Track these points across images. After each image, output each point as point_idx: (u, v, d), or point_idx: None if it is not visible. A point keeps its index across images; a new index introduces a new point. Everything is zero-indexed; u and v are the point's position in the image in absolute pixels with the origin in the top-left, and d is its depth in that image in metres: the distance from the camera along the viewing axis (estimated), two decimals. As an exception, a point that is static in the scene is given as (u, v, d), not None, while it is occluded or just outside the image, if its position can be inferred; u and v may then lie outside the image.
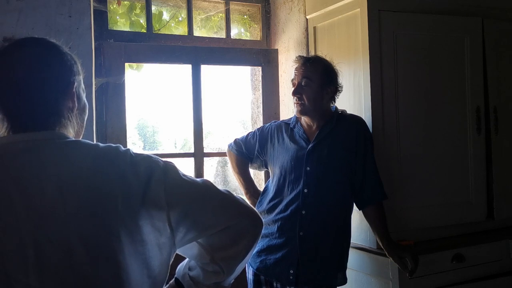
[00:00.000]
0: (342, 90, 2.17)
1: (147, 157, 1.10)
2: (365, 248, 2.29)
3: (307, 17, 2.72)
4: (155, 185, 1.05)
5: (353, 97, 2.38)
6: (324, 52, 2.60)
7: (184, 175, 1.13)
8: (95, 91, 2.35)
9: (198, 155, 2.71)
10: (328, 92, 2.10)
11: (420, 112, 2.40)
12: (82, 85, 1.14)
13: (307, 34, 2.72)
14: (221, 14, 2.94)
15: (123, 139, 2.53)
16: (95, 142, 1.12)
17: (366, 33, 2.27)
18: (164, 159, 1.14)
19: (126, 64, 2.59)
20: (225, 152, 2.44)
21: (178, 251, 1.15)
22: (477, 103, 2.53)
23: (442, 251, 2.28)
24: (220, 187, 1.18)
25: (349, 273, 2.41)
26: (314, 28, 2.67)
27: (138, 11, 2.76)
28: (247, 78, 3.10)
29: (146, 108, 3.03)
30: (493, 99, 2.58)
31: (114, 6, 2.70)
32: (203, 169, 2.72)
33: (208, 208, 1.12)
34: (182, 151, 3.09)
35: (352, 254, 2.36)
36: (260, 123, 2.93)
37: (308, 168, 2.08)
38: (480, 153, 2.54)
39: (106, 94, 2.50)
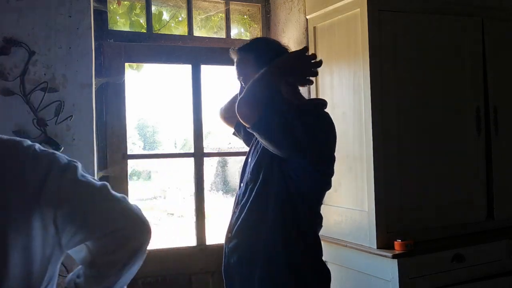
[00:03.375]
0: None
1: (50, 153, 1.10)
2: (365, 248, 2.29)
3: (307, 17, 2.72)
4: (51, 182, 1.06)
5: (353, 97, 2.38)
6: (324, 52, 2.61)
7: (83, 175, 1.12)
8: (95, 91, 2.35)
9: (198, 155, 2.71)
10: None
11: (420, 112, 2.39)
12: None
13: (307, 34, 2.72)
14: (221, 14, 2.94)
15: (123, 139, 2.53)
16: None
17: (366, 33, 2.27)
18: (70, 159, 1.13)
19: (126, 64, 2.60)
20: (225, 152, 2.42)
21: (71, 254, 1.15)
22: (477, 103, 2.53)
23: (442, 251, 2.29)
24: (116, 192, 1.15)
25: (349, 273, 2.42)
26: (314, 28, 2.67)
27: (138, 11, 2.76)
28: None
29: (146, 108, 3.04)
30: (493, 99, 2.58)
31: (114, 6, 2.70)
32: (203, 169, 2.72)
33: (96, 210, 1.12)
34: (182, 151, 3.09)
35: (352, 254, 2.36)
36: (260, 123, 2.93)
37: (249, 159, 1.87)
38: (480, 153, 2.54)
39: (106, 94, 2.50)
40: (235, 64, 1.83)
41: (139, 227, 1.15)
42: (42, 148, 1.11)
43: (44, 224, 1.05)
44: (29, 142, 1.10)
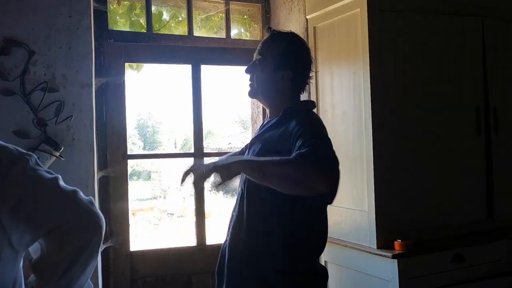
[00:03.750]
0: (308, 78, 1.78)
1: (1, 147, 1.05)
2: (365, 248, 2.29)
3: (307, 17, 2.72)
4: None
5: (353, 97, 2.38)
6: (324, 52, 2.61)
7: (33, 169, 1.05)
8: (95, 91, 2.35)
9: (198, 155, 2.71)
10: (284, 77, 1.71)
11: (420, 112, 2.40)
12: None
13: (307, 34, 2.72)
14: (221, 14, 2.94)
15: (123, 139, 2.53)
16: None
17: (366, 33, 2.27)
18: (24, 151, 1.07)
19: (126, 64, 2.60)
20: (225, 152, 2.40)
21: (31, 254, 1.08)
22: (477, 103, 2.54)
23: (442, 251, 2.29)
24: (66, 184, 1.07)
25: (349, 273, 2.42)
26: (314, 28, 2.67)
27: (138, 11, 2.76)
28: (247, 78, 3.09)
29: (146, 108, 3.04)
30: (493, 99, 2.58)
31: (114, 6, 2.70)
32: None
33: (41, 205, 1.03)
34: (182, 151, 3.10)
35: (352, 254, 2.36)
36: (260, 123, 2.93)
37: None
38: (480, 153, 2.54)
39: (106, 94, 2.50)
40: (262, 41, 1.80)
41: (85, 222, 1.04)
42: (1, 143, 1.05)
43: None
44: None
